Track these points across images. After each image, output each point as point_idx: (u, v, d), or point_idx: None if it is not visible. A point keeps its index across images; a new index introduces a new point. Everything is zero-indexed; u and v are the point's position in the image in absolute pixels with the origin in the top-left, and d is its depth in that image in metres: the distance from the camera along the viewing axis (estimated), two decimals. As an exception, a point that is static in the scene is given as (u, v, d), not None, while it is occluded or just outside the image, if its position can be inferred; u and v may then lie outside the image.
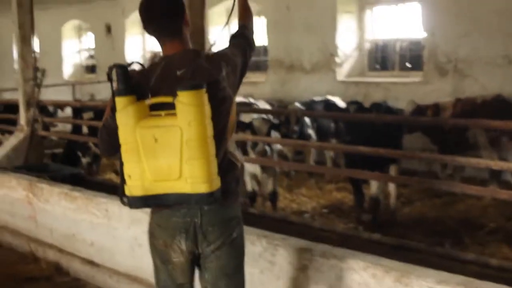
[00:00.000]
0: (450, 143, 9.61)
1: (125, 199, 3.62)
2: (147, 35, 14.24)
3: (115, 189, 4.05)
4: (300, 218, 8.38)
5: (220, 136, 3.56)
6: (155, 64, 3.72)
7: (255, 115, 9.44)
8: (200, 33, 7.37)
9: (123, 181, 3.58)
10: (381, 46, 14.20)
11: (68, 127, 12.61)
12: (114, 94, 3.51)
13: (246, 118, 9.60)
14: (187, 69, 3.57)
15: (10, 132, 11.22)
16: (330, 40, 13.91)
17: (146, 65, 3.81)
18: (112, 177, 12.75)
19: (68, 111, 13.50)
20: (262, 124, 8.97)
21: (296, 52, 14.63)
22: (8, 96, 17.70)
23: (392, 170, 8.86)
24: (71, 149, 11.71)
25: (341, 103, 11.90)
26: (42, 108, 10.61)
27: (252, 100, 13.01)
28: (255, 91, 14.87)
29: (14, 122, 10.82)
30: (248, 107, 10.44)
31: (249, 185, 9.31)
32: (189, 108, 3.35)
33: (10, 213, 8.59)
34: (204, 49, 6.74)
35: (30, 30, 10.51)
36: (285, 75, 14.91)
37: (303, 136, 10.65)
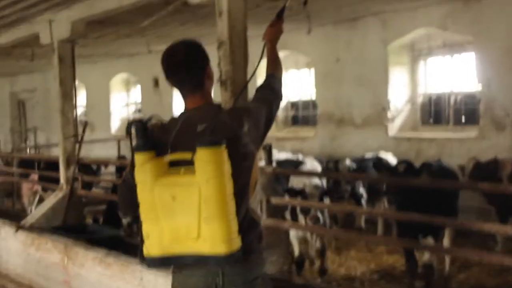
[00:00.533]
0: (509, 204, 8.98)
1: (143, 259, 3.50)
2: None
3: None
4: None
5: (241, 194, 3.44)
6: (175, 119, 3.65)
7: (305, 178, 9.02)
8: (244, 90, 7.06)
9: (142, 240, 3.48)
10: (434, 99, 13.61)
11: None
12: (133, 150, 3.46)
13: (295, 181, 9.15)
14: (208, 124, 3.47)
15: (53, 190, 10.96)
16: (382, 94, 13.43)
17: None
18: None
19: (112, 167, 13.25)
20: (314, 190, 8.63)
21: (346, 105, 14.18)
22: (56, 151, 17.59)
23: (447, 236, 8.29)
24: (112, 208, 11.32)
25: (393, 160, 11.37)
26: (84, 165, 10.31)
27: (300, 157, 12.58)
28: (304, 147, 14.48)
29: (56, 180, 10.60)
30: (296, 169, 9.88)
31: (297, 249, 8.84)
32: (208, 165, 3.26)
33: (45, 277, 8.39)
34: (247, 101, 6.52)
35: (71, 85, 10.23)
36: (335, 129, 14.43)
37: (354, 194, 10.21)
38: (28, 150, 21.42)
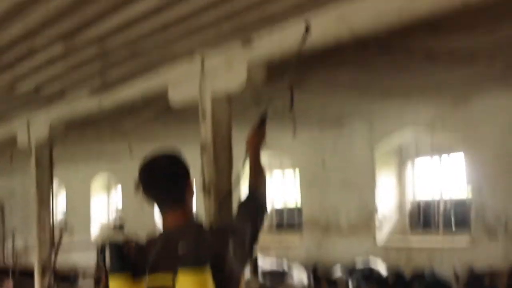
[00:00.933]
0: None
1: None
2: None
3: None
4: None
5: None
6: (154, 239, 3.46)
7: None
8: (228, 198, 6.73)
9: None
10: (423, 205, 13.26)
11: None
12: (107, 271, 3.28)
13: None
14: (190, 244, 3.16)
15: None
16: (369, 198, 13.09)
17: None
18: None
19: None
20: None
21: (332, 211, 13.79)
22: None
23: None
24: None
25: (383, 269, 10.97)
26: (61, 275, 9.90)
27: (285, 266, 12.13)
28: (289, 254, 13.98)
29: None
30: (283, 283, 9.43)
31: None
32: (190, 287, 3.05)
33: None
34: (231, 211, 6.14)
35: (48, 190, 9.86)
36: (321, 236, 14.02)
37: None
38: (4, 254, 20.89)
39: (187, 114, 10.39)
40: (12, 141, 10.87)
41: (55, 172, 12.13)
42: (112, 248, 3.29)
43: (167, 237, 3.38)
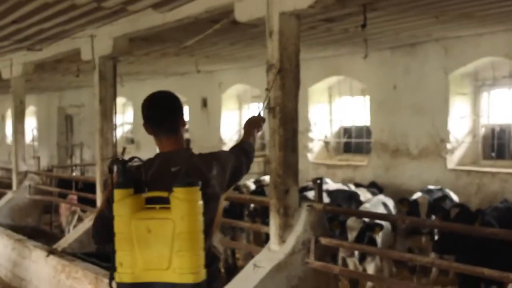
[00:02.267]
0: None
1: (119, 286, 3.81)
2: (244, 110, 13.59)
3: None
4: None
5: (206, 231, 3.82)
6: (151, 160, 4.06)
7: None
8: (293, 115, 6.63)
9: (114, 268, 3.78)
10: (497, 132, 12.75)
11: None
12: (113, 186, 3.81)
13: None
14: (181, 166, 3.86)
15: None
16: (441, 124, 12.60)
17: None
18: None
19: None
20: (355, 223, 8.26)
21: (402, 135, 13.40)
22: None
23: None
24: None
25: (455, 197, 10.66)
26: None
27: (352, 187, 11.87)
28: (356, 175, 13.78)
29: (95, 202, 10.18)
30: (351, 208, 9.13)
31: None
32: (183, 203, 3.65)
33: (73, 307, 7.91)
34: (297, 130, 6.63)
35: (111, 105, 9.75)
36: (389, 160, 13.66)
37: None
38: (71, 166, 21.15)
39: (254, 32, 10.14)
40: (77, 55, 10.79)
41: (122, 88, 12.04)
42: (119, 165, 3.84)
43: (162, 159, 4.02)
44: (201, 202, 3.70)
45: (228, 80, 17.52)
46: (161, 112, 4.05)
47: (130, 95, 21.45)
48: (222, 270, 10.38)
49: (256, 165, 16.71)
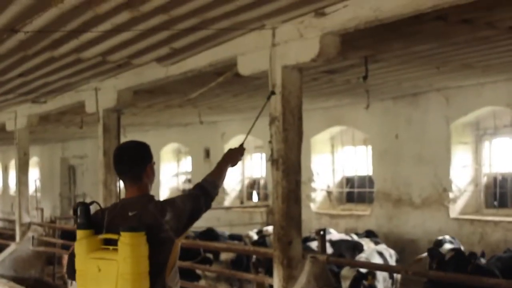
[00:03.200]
0: None
1: None
2: (247, 162, 13.64)
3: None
4: None
5: (158, 271, 4.14)
6: (116, 204, 4.45)
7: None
8: (296, 167, 6.70)
9: None
10: (500, 180, 12.76)
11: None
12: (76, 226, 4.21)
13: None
14: (137, 211, 4.19)
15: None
16: (443, 174, 12.63)
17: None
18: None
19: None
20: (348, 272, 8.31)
21: (405, 185, 13.41)
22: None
23: None
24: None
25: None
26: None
27: (355, 238, 11.85)
28: (359, 225, 13.75)
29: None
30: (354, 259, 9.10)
31: None
32: (126, 246, 3.93)
33: None
34: (299, 181, 6.69)
35: (115, 157, 9.72)
36: (392, 209, 13.66)
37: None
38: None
39: (256, 84, 10.23)
40: (81, 108, 10.88)
41: (125, 139, 12.08)
42: (82, 208, 4.17)
43: (123, 204, 4.32)
44: (146, 246, 3.99)
45: (231, 131, 17.57)
46: (124, 164, 4.35)
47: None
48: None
49: (259, 215, 16.71)
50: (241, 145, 5.32)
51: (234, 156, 5.09)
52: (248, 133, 6.11)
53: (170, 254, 4.23)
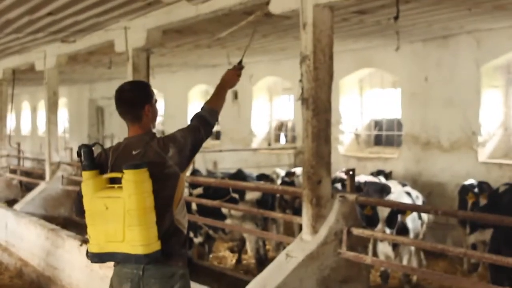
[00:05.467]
0: None
1: (89, 255, 4.44)
2: (274, 103, 13.64)
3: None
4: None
5: (165, 207, 4.40)
6: (119, 144, 4.64)
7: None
8: (326, 106, 6.69)
9: (88, 240, 4.44)
10: (529, 125, 12.66)
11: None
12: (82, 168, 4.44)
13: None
14: (141, 149, 4.45)
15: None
16: (473, 117, 12.54)
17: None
18: (226, 255, 11.97)
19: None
20: None
21: (433, 128, 13.34)
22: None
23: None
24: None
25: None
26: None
27: (383, 180, 11.87)
28: (387, 168, 13.69)
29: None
30: (384, 199, 9.13)
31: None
32: (130, 183, 4.17)
33: None
34: (329, 121, 6.71)
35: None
36: (420, 152, 13.61)
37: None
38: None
39: (286, 24, 10.16)
40: (110, 48, 10.87)
41: (153, 80, 12.12)
42: (85, 150, 4.40)
43: (126, 143, 4.56)
44: (149, 182, 4.21)
45: (259, 72, 17.51)
46: (122, 107, 4.57)
47: (161, 87, 21.55)
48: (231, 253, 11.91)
49: (287, 157, 16.75)
50: (239, 63, 5.38)
51: (232, 77, 5.18)
52: (245, 49, 5.98)
53: (176, 188, 4.47)
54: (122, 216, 4.17)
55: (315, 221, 6.55)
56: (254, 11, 7.65)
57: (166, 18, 8.97)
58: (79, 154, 4.42)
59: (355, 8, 9.24)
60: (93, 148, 4.46)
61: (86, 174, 4.36)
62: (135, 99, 4.55)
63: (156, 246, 4.23)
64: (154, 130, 4.69)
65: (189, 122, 4.72)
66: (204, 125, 4.63)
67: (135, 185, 4.16)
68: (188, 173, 11.86)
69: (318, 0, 6.37)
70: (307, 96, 6.51)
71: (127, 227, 4.18)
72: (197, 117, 4.70)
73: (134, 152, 4.44)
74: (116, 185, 4.27)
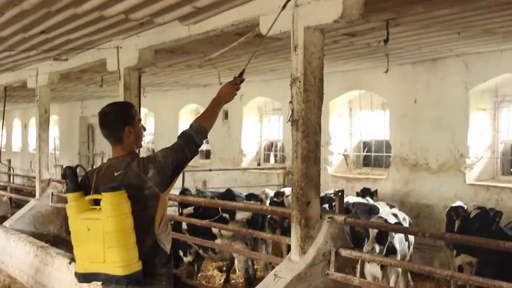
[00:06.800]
0: None
1: (76, 275, 4.53)
2: (264, 123, 13.67)
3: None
4: None
5: (146, 227, 4.43)
6: (103, 165, 4.74)
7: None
8: (316, 128, 6.73)
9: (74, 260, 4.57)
10: (517, 147, 12.77)
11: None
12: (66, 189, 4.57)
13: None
14: (122, 171, 4.50)
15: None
16: (461, 139, 12.63)
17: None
18: (215, 274, 12.00)
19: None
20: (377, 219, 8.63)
21: (422, 150, 13.44)
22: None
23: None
24: (173, 247, 10.81)
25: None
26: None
27: (371, 201, 11.94)
28: (375, 188, 13.73)
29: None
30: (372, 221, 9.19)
31: None
32: (107, 205, 4.24)
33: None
34: (319, 142, 6.72)
35: (135, 115, 9.80)
36: (409, 174, 13.69)
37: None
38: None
39: (277, 45, 10.25)
40: (102, 66, 10.94)
41: (144, 99, 12.18)
42: (69, 172, 4.50)
43: (109, 165, 4.64)
44: (127, 204, 4.27)
45: (250, 93, 17.58)
46: (104, 128, 4.69)
47: (151, 105, 21.62)
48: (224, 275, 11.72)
49: (276, 177, 16.81)
50: (241, 75, 5.31)
51: (229, 91, 5.12)
52: (247, 64, 5.82)
53: (157, 209, 4.50)
54: (102, 237, 4.25)
55: (304, 242, 6.59)
56: (245, 33, 7.73)
57: (158, 38, 9.04)
58: (63, 176, 4.53)
59: (345, 31, 9.34)
60: (77, 170, 4.55)
61: (70, 196, 4.46)
62: (116, 121, 4.62)
63: (136, 266, 4.30)
64: (137, 151, 4.74)
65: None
66: (189, 144, 4.64)
67: (112, 207, 4.22)
68: (177, 192, 11.93)
69: (309, 23, 6.44)
70: (297, 118, 6.57)
71: (106, 248, 4.25)
72: (183, 135, 4.70)
73: (116, 174, 4.50)
74: (98, 207, 4.33)
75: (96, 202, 4.38)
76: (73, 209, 4.42)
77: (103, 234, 4.24)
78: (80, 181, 4.56)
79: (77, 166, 4.64)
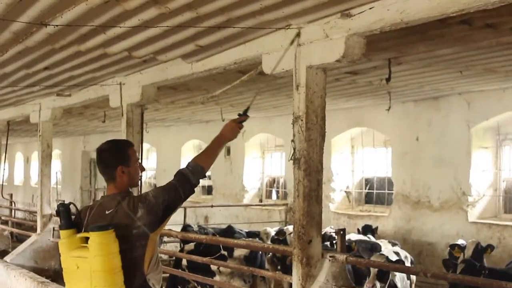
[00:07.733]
0: None
1: None
2: (266, 159, 13.69)
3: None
4: None
5: (135, 266, 4.37)
6: (96, 202, 4.69)
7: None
8: (317, 166, 6.70)
9: None
10: (519, 185, 12.75)
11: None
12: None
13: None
14: (113, 209, 4.41)
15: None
16: (463, 177, 12.64)
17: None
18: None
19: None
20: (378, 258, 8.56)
21: (424, 187, 13.44)
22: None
23: None
24: (173, 282, 10.77)
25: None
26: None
27: (372, 239, 11.90)
28: (377, 225, 13.69)
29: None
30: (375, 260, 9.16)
31: None
32: (95, 245, 4.18)
33: None
34: (321, 181, 6.69)
35: (138, 151, 9.81)
36: (411, 211, 13.67)
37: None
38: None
39: (279, 83, 10.28)
40: (105, 102, 10.96)
41: (147, 134, 12.21)
42: (62, 209, 4.44)
43: (101, 203, 4.56)
44: (115, 243, 4.22)
45: (252, 129, 17.60)
46: (99, 166, 4.65)
47: (154, 141, 21.65)
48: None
49: (278, 213, 16.77)
50: (245, 113, 5.23)
51: (233, 129, 5.01)
52: (251, 103, 5.71)
53: (146, 248, 4.40)
54: (90, 276, 4.20)
55: (305, 280, 6.56)
56: (248, 70, 7.76)
57: (161, 75, 9.07)
58: (57, 213, 4.50)
59: (347, 69, 9.38)
60: (70, 207, 4.52)
61: (62, 233, 4.42)
62: (109, 160, 4.57)
63: None
64: (131, 190, 4.65)
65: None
66: (183, 183, 4.54)
67: (99, 246, 4.17)
68: (179, 228, 11.90)
69: (311, 62, 6.47)
70: (299, 156, 6.57)
71: (93, 287, 4.21)
72: (178, 174, 4.60)
73: (107, 212, 4.43)
74: (87, 245, 4.27)
75: (87, 240, 4.30)
76: (65, 246, 4.37)
77: (91, 273, 4.18)
78: (73, 218, 4.51)
79: (69, 203, 4.59)
